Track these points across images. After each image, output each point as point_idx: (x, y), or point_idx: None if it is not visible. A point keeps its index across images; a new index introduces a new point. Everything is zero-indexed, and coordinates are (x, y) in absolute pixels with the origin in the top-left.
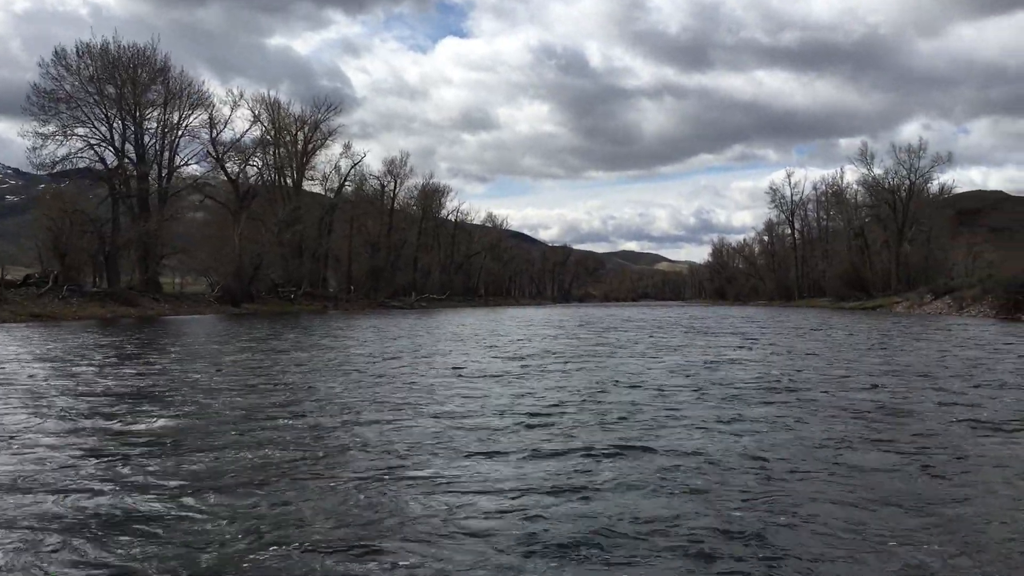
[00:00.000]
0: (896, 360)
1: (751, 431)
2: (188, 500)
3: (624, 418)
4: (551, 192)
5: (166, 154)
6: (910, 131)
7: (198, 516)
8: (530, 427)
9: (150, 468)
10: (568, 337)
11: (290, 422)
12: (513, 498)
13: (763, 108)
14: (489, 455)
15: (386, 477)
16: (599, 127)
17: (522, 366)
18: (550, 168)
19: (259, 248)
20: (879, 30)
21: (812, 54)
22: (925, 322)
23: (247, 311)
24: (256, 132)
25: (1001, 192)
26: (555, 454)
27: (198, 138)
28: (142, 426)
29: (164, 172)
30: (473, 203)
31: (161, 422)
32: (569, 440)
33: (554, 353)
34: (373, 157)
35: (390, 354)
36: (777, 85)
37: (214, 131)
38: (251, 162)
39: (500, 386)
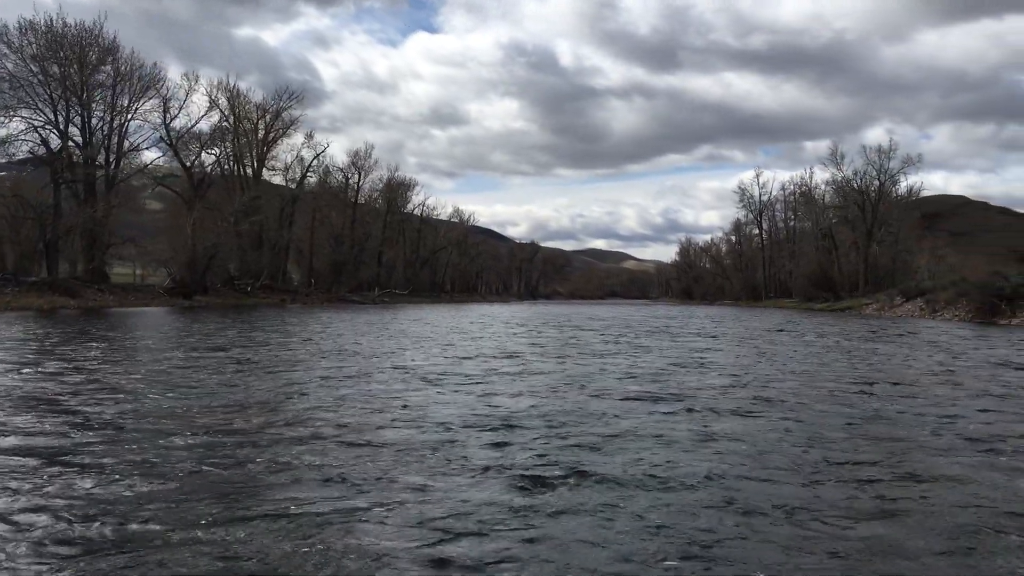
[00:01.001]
0: (887, 368)
1: (721, 453)
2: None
3: (578, 432)
4: (520, 189)
5: (114, 139)
6: (875, 135)
7: None
8: (471, 444)
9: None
10: (528, 336)
11: (186, 438)
12: (434, 541)
13: (731, 110)
14: (416, 482)
15: (286, 513)
16: (569, 125)
17: (474, 369)
18: (519, 165)
19: (214, 238)
20: (846, 35)
21: (780, 57)
22: (900, 325)
23: (199, 304)
24: (214, 119)
25: (963, 197)
26: (498, 474)
27: (150, 123)
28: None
29: (112, 158)
30: (441, 198)
31: (46, 430)
32: (514, 457)
33: (512, 355)
34: (342, 151)
35: (330, 353)
36: (745, 87)
37: (167, 116)
38: (209, 150)
39: (446, 392)
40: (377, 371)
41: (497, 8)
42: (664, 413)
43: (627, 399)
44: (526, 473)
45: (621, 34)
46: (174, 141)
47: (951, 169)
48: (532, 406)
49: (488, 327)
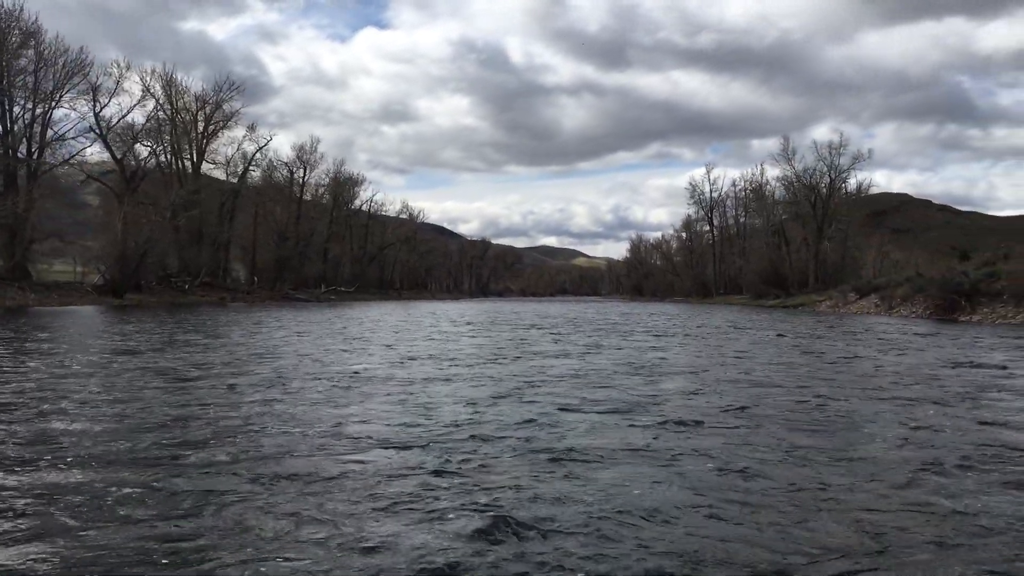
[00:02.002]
0: (852, 372)
1: (674, 474)
2: None
3: (522, 455)
4: (471, 186)
5: (37, 128)
6: (820, 134)
7: None
8: (395, 473)
9: None
10: (473, 336)
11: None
12: None
13: (680, 108)
14: (322, 525)
15: None
16: (519, 122)
17: (409, 374)
18: (470, 162)
19: (147, 234)
20: (791, 35)
21: (727, 56)
22: (856, 322)
23: (130, 303)
24: (149, 108)
25: (906, 195)
26: (404, 510)
27: (78, 112)
28: None
29: (35, 147)
30: (390, 195)
31: None
32: (440, 496)
33: (448, 358)
34: (290, 146)
35: (251, 358)
36: (693, 86)
37: (97, 105)
38: (144, 142)
39: (375, 403)
40: (300, 378)
41: (446, 5)
42: (616, 425)
43: (574, 410)
44: (451, 518)
45: (571, 32)
46: (104, 131)
47: (893, 167)
48: (468, 420)
49: (434, 326)
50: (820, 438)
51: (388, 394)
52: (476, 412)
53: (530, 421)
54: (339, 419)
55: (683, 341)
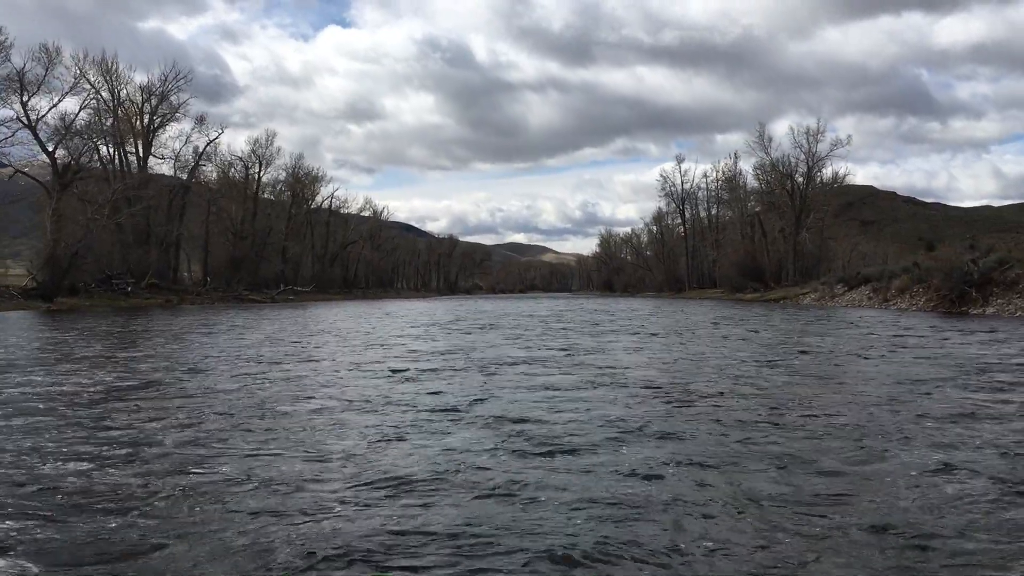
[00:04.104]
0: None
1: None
2: None
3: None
4: (438, 184)
5: None
6: (782, 128)
7: None
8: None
9: None
10: (429, 341)
11: None
12: None
13: (644, 103)
14: None
15: None
16: (485, 119)
17: (341, 395)
18: (437, 159)
19: (81, 232)
20: (753, 31)
21: (690, 52)
22: (854, 317)
23: (62, 307)
24: (89, 100)
25: (871, 187)
26: None
27: (3, 99)
28: None
29: None
30: (353, 192)
31: None
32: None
33: (397, 372)
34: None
35: (154, 378)
36: (658, 81)
37: (25, 95)
38: (83, 135)
39: (288, 439)
40: (210, 407)
41: (409, 3)
42: (593, 470)
43: (542, 449)
44: None
45: (535, 29)
46: (33, 122)
47: (854, 160)
48: (406, 475)
49: (387, 327)
50: None
51: (308, 425)
52: (415, 466)
53: None
54: (247, 452)
55: (669, 345)
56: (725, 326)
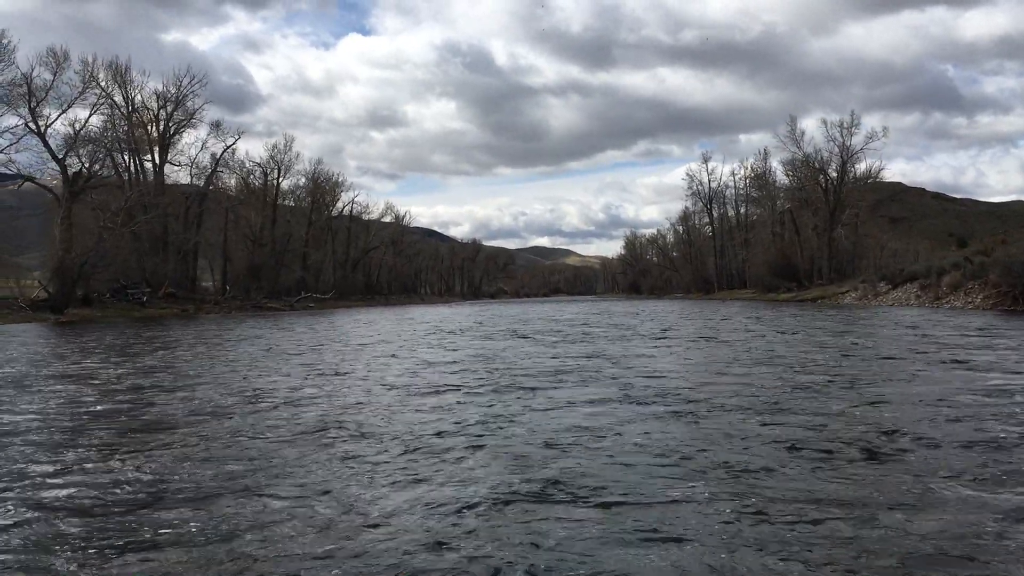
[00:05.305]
0: None
1: None
2: None
3: None
4: (461, 189)
5: None
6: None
7: None
8: None
9: None
10: (448, 353)
11: None
12: None
13: (666, 105)
14: None
15: None
16: (507, 124)
17: (344, 421)
18: (460, 165)
19: (92, 241)
20: (775, 29)
21: (712, 52)
22: (914, 318)
23: (73, 318)
24: (102, 107)
25: (900, 183)
26: None
27: (9, 105)
28: None
29: None
30: (375, 198)
31: None
32: None
33: (407, 392)
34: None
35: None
36: (679, 82)
37: (33, 100)
38: (97, 143)
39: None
40: (201, 436)
41: (428, 9)
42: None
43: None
44: None
45: (554, 32)
46: (42, 128)
47: (881, 158)
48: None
49: (409, 334)
50: None
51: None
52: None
53: None
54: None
55: (727, 355)
56: (802, 332)
